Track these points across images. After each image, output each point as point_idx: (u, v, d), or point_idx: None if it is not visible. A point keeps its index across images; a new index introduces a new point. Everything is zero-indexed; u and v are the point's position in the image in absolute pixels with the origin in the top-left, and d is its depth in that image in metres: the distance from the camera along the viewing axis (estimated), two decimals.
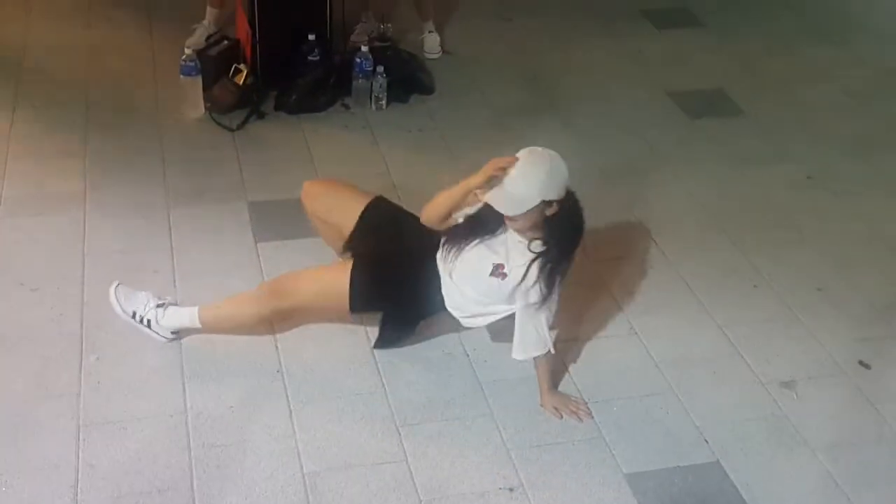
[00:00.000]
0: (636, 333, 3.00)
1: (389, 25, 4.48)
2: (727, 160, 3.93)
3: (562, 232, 2.55)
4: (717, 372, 2.88)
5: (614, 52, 4.74)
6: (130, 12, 4.72)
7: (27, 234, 3.22)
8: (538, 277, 2.52)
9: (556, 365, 2.78)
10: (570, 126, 4.09)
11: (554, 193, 2.47)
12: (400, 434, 2.60)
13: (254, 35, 4.00)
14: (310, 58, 4.02)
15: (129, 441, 2.52)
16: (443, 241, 2.66)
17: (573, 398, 2.74)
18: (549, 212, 2.49)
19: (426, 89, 4.25)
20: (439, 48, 4.55)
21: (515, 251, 2.56)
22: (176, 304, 2.81)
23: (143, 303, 2.77)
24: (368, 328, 2.91)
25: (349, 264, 2.68)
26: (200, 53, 3.96)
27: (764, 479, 2.54)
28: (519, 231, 2.54)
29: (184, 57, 3.88)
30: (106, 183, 3.50)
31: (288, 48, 4.02)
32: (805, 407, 2.77)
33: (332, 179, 3.05)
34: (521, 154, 2.50)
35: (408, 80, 4.20)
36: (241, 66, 3.99)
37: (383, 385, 2.75)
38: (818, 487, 2.54)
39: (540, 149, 2.51)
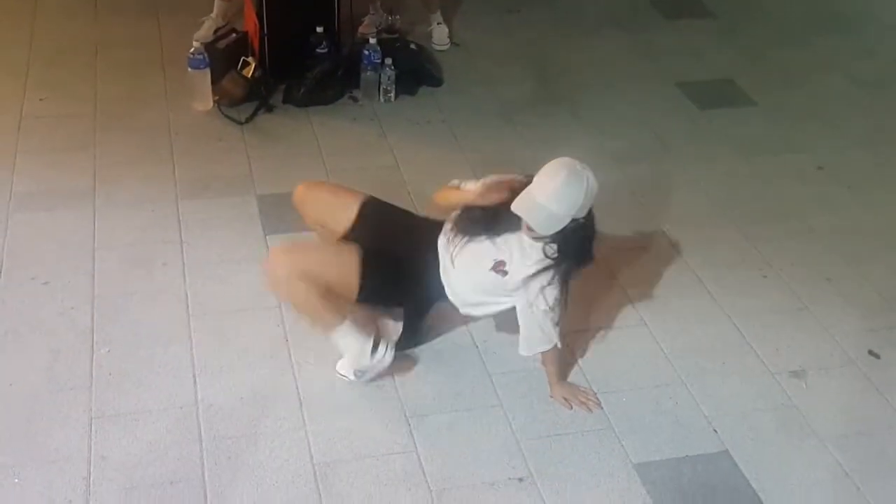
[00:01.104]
0: (645, 324, 3.00)
1: (398, 17, 4.48)
2: (737, 151, 3.92)
3: (577, 241, 2.54)
4: (726, 362, 2.88)
5: (623, 42, 4.73)
6: (139, 5, 4.73)
7: (38, 228, 3.24)
8: (550, 282, 2.52)
9: (565, 356, 2.79)
10: (578, 117, 4.08)
11: (585, 211, 2.48)
12: (410, 425, 2.61)
13: (262, 28, 4.00)
14: (318, 50, 4.02)
15: (140, 433, 2.53)
16: (451, 226, 2.65)
17: (582, 388, 2.74)
18: (572, 225, 2.49)
19: (435, 81, 4.25)
20: (448, 40, 4.54)
21: (524, 252, 2.55)
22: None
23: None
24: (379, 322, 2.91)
25: (354, 256, 2.60)
26: (209, 46, 3.96)
27: (773, 469, 2.54)
28: (535, 238, 2.54)
29: (192, 50, 3.88)
30: (115, 176, 3.51)
31: (296, 41, 4.02)
32: (814, 397, 2.77)
33: (321, 182, 3.01)
34: (553, 169, 2.47)
35: (416, 72, 4.20)
36: (250, 59, 3.99)
37: (393, 376, 2.76)
38: (828, 477, 2.54)
39: (576, 164, 2.48)
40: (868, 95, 4.39)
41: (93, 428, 2.53)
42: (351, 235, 2.72)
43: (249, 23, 4.19)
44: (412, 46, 4.29)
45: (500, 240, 2.58)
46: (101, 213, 3.32)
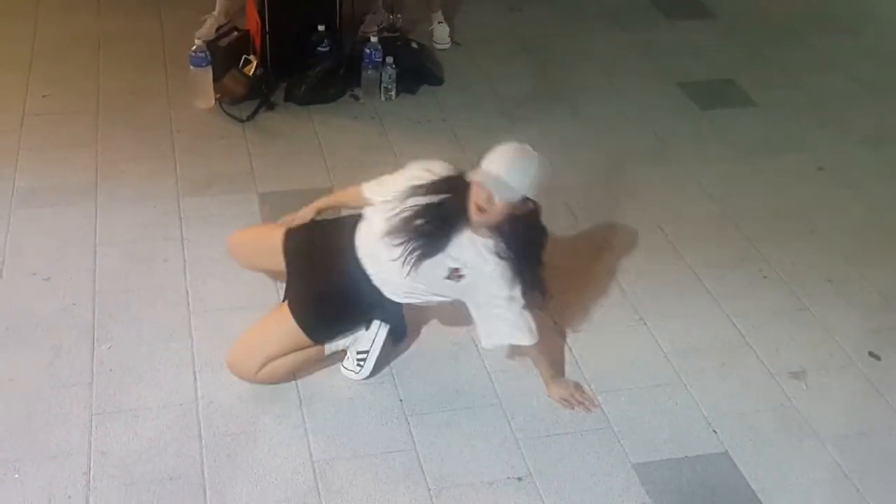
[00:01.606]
0: (644, 323, 3.00)
1: (399, 16, 4.48)
2: (737, 151, 3.92)
3: (527, 234, 2.52)
4: (725, 362, 2.88)
5: (624, 42, 4.73)
6: (141, 2, 4.73)
7: (40, 225, 3.24)
8: (505, 277, 2.50)
9: (557, 354, 2.79)
10: (578, 116, 4.08)
11: (534, 192, 2.46)
12: (409, 423, 2.62)
13: (264, 26, 4.01)
14: (319, 49, 4.02)
15: (140, 429, 2.54)
16: (402, 242, 2.53)
17: (580, 388, 2.74)
18: (520, 210, 2.46)
19: (435, 80, 4.25)
20: (448, 39, 4.55)
21: (479, 253, 2.51)
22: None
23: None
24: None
25: (288, 318, 2.62)
26: (211, 44, 3.96)
27: (773, 470, 2.55)
28: (485, 226, 2.48)
29: (194, 48, 3.88)
30: (117, 173, 3.51)
31: (298, 39, 4.03)
32: (814, 398, 2.77)
33: (243, 231, 2.95)
34: (503, 147, 2.48)
35: (417, 70, 4.21)
36: (251, 57, 3.99)
37: (392, 374, 2.76)
38: (827, 478, 2.54)
39: (525, 146, 2.50)
40: (869, 95, 4.39)
41: (93, 424, 2.54)
42: (287, 275, 2.76)
43: (251, 21, 4.19)
44: (413, 45, 4.29)
45: (451, 245, 2.52)
46: (102, 209, 3.32)
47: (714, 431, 2.65)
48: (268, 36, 4.02)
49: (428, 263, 2.53)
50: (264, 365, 2.62)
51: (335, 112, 4.01)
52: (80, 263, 3.07)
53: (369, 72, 4.06)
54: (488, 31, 4.72)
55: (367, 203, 2.69)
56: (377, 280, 2.63)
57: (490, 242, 2.51)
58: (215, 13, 4.38)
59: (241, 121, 3.88)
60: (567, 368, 2.82)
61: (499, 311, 2.57)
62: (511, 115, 4.06)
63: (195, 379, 2.70)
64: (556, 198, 3.53)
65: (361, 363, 2.72)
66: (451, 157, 3.65)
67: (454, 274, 2.54)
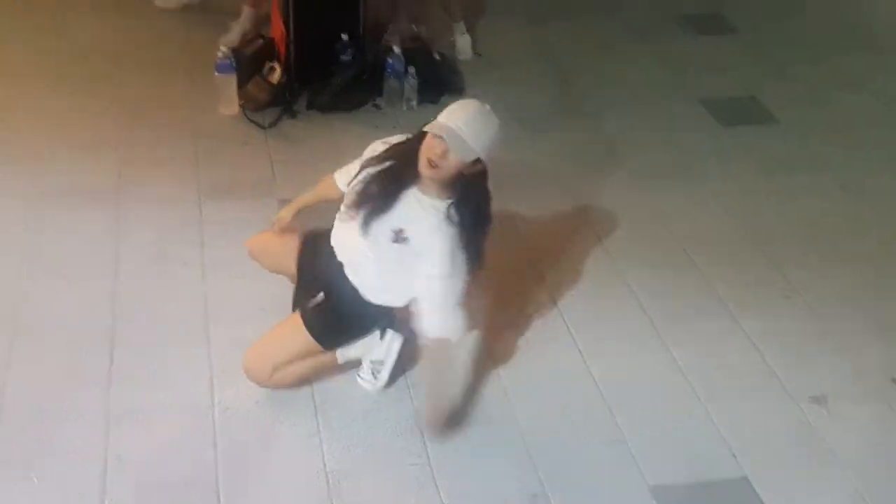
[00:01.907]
0: (663, 342, 2.98)
1: (422, 27, 4.48)
2: (760, 168, 3.90)
3: (476, 197, 2.43)
4: (746, 384, 2.86)
5: (647, 57, 4.71)
6: (165, 11, 4.74)
7: (63, 227, 3.25)
8: (448, 247, 2.40)
9: (459, 374, 2.69)
10: (600, 130, 4.07)
11: (488, 153, 2.38)
12: (424, 436, 2.60)
13: (288, 34, 4.02)
14: (342, 58, 4.03)
15: (156, 433, 2.54)
16: (355, 210, 2.49)
17: (455, 421, 2.63)
18: (469, 171, 2.38)
19: (457, 91, 4.24)
20: (471, 50, 4.54)
21: (425, 211, 2.42)
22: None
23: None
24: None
25: (299, 324, 2.62)
26: (236, 51, 3.99)
27: (792, 496, 2.52)
28: (435, 183, 2.40)
29: (220, 54, 3.90)
30: (140, 176, 3.53)
31: (321, 48, 4.03)
32: (835, 423, 2.74)
33: (264, 234, 2.89)
34: (462, 102, 2.43)
35: (439, 81, 4.20)
36: (275, 65, 4.01)
37: (408, 385, 2.75)
38: None
39: (482, 104, 2.44)
40: (893, 114, 4.35)
41: (110, 427, 2.54)
42: (297, 282, 2.77)
43: (276, 29, 4.20)
44: (435, 56, 4.29)
45: (397, 206, 2.43)
46: (125, 212, 3.33)
47: (733, 455, 2.62)
48: (292, 44, 4.03)
49: (376, 226, 2.44)
50: (277, 369, 2.61)
51: (356, 120, 4.01)
52: (101, 265, 3.08)
53: (391, 81, 4.06)
54: (511, 44, 4.71)
55: (341, 192, 2.64)
56: (356, 282, 2.58)
57: (439, 203, 2.41)
58: (241, 20, 4.40)
59: (264, 127, 3.89)
60: (584, 387, 2.80)
61: (434, 297, 2.44)
62: (532, 127, 4.04)
63: (212, 384, 2.70)
64: (578, 214, 3.52)
65: (376, 373, 2.71)
66: None
67: (399, 236, 2.43)
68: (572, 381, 2.81)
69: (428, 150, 2.35)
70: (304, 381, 2.70)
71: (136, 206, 3.37)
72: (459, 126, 2.34)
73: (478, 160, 2.38)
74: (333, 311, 2.65)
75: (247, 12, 4.40)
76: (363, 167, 2.54)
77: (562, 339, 2.96)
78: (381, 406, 2.69)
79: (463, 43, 4.53)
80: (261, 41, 4.13)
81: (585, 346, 2.93)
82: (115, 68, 4.21)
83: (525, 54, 4.65)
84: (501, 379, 2.80)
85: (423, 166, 2.37)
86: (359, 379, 2.74)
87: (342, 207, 2.57)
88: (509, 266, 3.23)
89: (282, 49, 4.10)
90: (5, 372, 2.67)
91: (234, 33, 4.33)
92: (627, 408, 2.74)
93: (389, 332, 2.70)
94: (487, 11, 4.99)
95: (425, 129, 2.38)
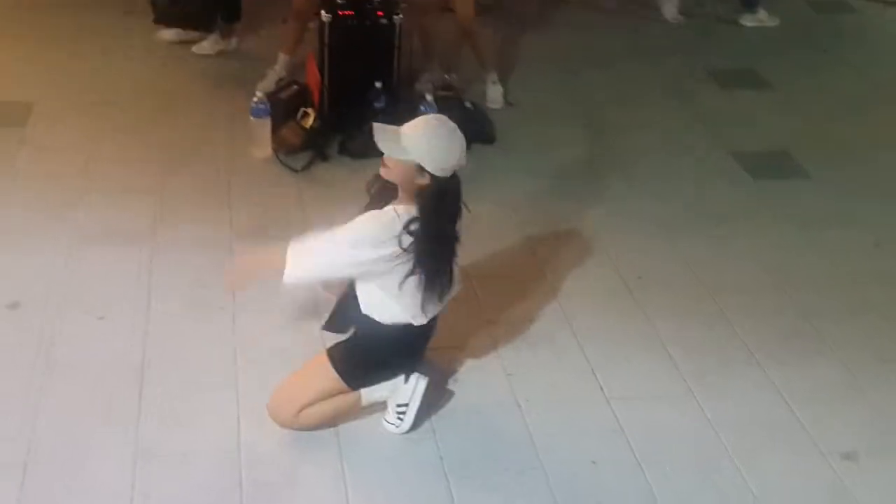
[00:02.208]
0: (693, 394, 2.95)
1: (454, 75, 4.55)
2: (791, 223, 3.88)
3: (430, 210, 2.46)
4: (775, 438, 2.82)
5: (679, 109, 4.74)
6: (204, 57, 4.85)
7: (98, 265, 3.30)
8: (374, 228, 2.48)
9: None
10: (629, 182, 4.08)
11: (429, 164, 2.42)
12: (448, 481, 2.59)
13: (323, 81, 4.09)
14: (375, 105, 4.09)
15: (183, 473, 2.55)
16: None
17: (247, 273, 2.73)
18: (420, 181, 2.45)
19: (487, 139, 4.29)
20: (502, 99, 4.59)
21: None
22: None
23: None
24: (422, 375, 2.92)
25: (326, 364, 2.65)
26: (271, 96, 4.07)
27: None
28: (404, 193, 2.49)
29: (255, 99, 3.98)
30: (175, 218, 3.58)
31: (355, 95, 4.10)
32: (867, 480, 2.69)
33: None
34: (430, 115, 2.53)
35: (470, 129, 4.18)
36: (309, 110, 4.08)
37: (433, 430, 2.75)
38: None
39: (449, 122, 2.49)
40: None
41: (137, 466, 2.55)
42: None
43: (311, 76, 4.28)
44: (467, 104, 4.34)
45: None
46: (159, 253, 3.38)
47: None
48: (326, 90, 4.10)
49: None
50: (302, 410, 2.62)
51: None
52: (135, 305, 3.12)
53: None
54: (542, 94, 4.76)
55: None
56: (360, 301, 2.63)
57: (405, 214, 2.47)
58: (276, 67, 4.49)
59: (296, 171, 3.94)
60: (612, 436, 2.77)
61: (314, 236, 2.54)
62: (561, 178, 4.07)
63: (239, 426, 2.70)
64: (606, 263, 3.53)
65: (401, 416, 2.71)
66: (498, 217, 3.71)
67: None
68: (600, 434, 2.79)
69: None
70: (328, 423, 2.70)
71: (171, 248, 3.41)
72: (404, 129, 2.45)
73: (423, 170, 2.42)
74: (359, 348, 2.67)
75: (282, 59, 4.50)
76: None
77: (588, 388, 2.95)
78: (406, 449, 2.68)
79: (494, 92, 4.58)
80: (295, 87, 4.21)
81: (611, 394, 2.92)
82: (153, 113, 4.30)
83: (556, 104, 4.69)
84: (528, 425, 2.79)
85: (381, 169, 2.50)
86: (384, 423, 2.74)
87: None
88: (536, 309, 3.25)
89: (316, 95, 4.17)
90: (36, 408, 2.70)
91: (270, 79, 4.42)
92: (655, 459, 2.71)
93: (414, 375, 2.71)
94: (519, 61, 5.05)
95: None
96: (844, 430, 2.86)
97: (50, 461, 2.55)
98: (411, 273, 2.49)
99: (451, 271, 2.63)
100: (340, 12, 4.07)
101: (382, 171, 2.51)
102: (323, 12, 4.07)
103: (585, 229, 3.73)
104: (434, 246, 2.50)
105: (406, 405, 2.71)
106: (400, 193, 2.54)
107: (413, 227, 2.46)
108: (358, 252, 2.49)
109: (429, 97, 4.14)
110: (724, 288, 3.44)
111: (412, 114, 4.01)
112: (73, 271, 3.26)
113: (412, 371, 2.72)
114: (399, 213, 2.49)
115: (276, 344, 3.00)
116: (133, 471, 2.53)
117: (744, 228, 3.83)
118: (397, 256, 2.46)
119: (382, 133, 2.46)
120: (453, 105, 4.23)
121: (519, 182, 4.02)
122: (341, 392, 2.66)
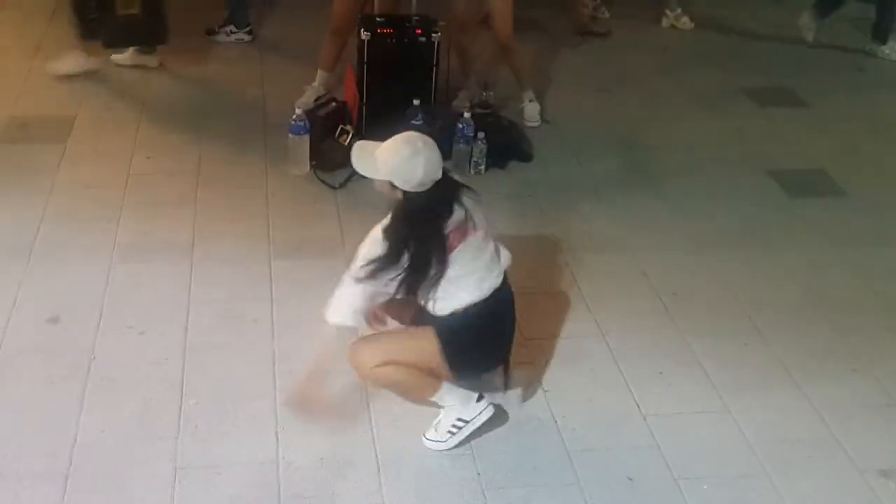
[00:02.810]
0: (729, 411, 2.95)
1: (491, 93, 4.58)
2: (827, 241, 3.87)
3: (399, 219, 2.59)
4: (812, 456, 2.81)
5: (714, 128, 4.74)
6: (245, 72, 4.95)
7: (138, 279, 3.36)
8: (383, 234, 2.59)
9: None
10: (664, 199, 4.08)
11: (399, 181, 2.56)
12: (486, 497, 2.60)
13: (361, 98, 4.14)
14: (413, 122, 4.12)
15: (222, 486, 2.58)
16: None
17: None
18: (394, 194, 2.59)
19: (524, 156, 4.32)
20: (539, 117, 4.62)
21: None
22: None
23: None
24: None
25: (432, 339, 2.65)
26: (309, 113, 4.12)
27: None
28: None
29: (294, 116, 4.04)
30: (213, 233, 3.64)
31: (393, 112, 4.13)
32: None
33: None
34: (399, 136, 2.61)
35: (507, 146, 4.28)
36: (347, 127, 4.12)
37: (471, 446, 2.76)
38: None
39: (418, 138, 2.60)
40: None
41: (177, 478, 2.59)
42: None
43: (349, 93, 4.33)
44: (504, 122, 4.38)
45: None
46: (197, 267, 3.43)
47: None
48: (364, 108, 4.15)
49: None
50: (384, 364, 2.63)
51: None
52: (174, 319, 3.17)
53: (461, 146, 4.15)
54: (578, 112, 4.78)
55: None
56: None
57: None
58: (315, 84, 4.55)
59: (334, 188, 3.99)
60: (649, 452, 2.78)
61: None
62: (598, 194, 4.08)
63: (277, 439, 2.74)
64: (642, 280, 3.53)
65: (453, 431, 2.74)
66: (536, 232, 3.73)
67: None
68: (636, 450, 2.79)
69: None
70: (397, 389, 2.72)
71: (209, 262, 3.47)
72: (377, 150, 2.60)
73: (400, 190, 2.56)
74: (473, 328, 2.67)
75: (321, 75, 4.56)
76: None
77: (624, 404, 2.95)
78: (444, 465, 2.70)
79: (531, 110, 4.61)
80: (334, 104, 4.25)
81: (647, 411, 2.92)
82: (193, 130, 4.37)
83: (592, 122, 4.71)
84: (565, 442, 2.80)
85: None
86: (425, 440, 2.76)
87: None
88: (572, 325, 3.27)
89: (354, 112, 4.22)
90: (78, 422, 2.75)
91: (309, 96, 4.48)
92: (691, 475, 2.71)
93: (487, 398, 2.75)
94: (556, 79, 5.08)
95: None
96: (882, 448, 2.85)
97: (91, 475, 2.60)
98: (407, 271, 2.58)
99: (495, 249, 2.73)
100: (379, 30, 4.12)
101: (378, 188, 2.64)
102: (362, 30, 4.12)
103: (621, 246, 3.74)
104: (402, 249, 2.58)
105: (466, 423, 2.73)
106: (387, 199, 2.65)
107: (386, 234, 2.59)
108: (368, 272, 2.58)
109: (466, 114, 4.17)
110: (760, 305, 3.44)
111: (450, 131, 4.13)
112: (113, 285, 3.32)
113: (502, 363, 2.80)
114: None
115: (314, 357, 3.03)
116: (173, 484, 2.57)
117: (779, 246, 3.82)
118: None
119: (361, 152, 2.64)
120: (491, 122, 4.27)
121: (556, 198, 4.04)
122: (428, 366, 2.67)
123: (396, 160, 2.56)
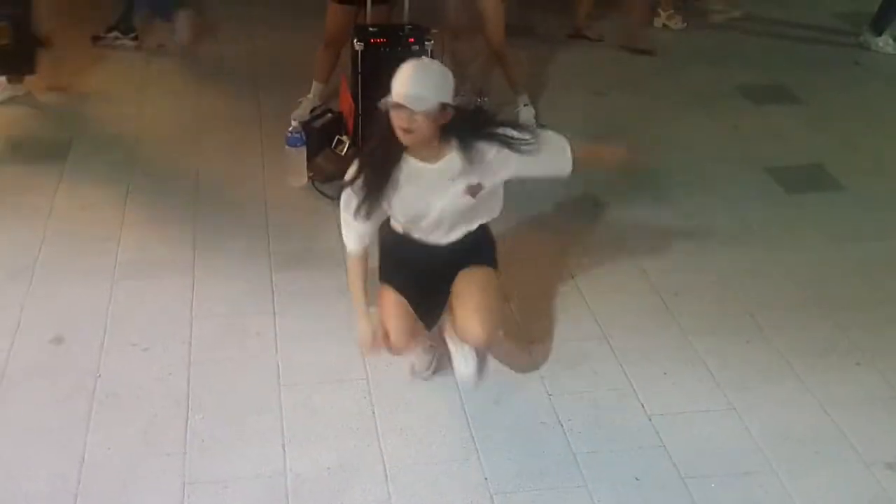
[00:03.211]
0: (734, 409, 2.95)
1: (486, 99, 4.59)
2: (826, 236, 3.88)
3: (464, 119, 2.62)
4: (818, 451, 2.81)
5: (710, 127, 4.75)
6: (239, 86, 4.97)
7: (140, 296, 3.37)
8: (481, 141, 2.65)
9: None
10: (663, 199, 4.09)
11: (447, 96, 2.55)
12: (493, 501, 2.61)
13: (356, 108, 4.15)
14: None
15: (230, 500, 2.59)
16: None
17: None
18: (443, 119, 2.56)
19: None
20: (534, 121, 4.62)
21: (453, 163, 2.65)
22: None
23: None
24: (464, 396, 2.94)
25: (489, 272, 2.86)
26: (306, 125, 4.14)
27: None
28: (423, 145, 2.60)
29: (290, 128, 4.05)
30: (213, 248, 3.65)
31: None
32: None
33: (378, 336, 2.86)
34: (404, 66, 2.57)
35: None
36: (344, 138, 4.14)
37: (477, 451, 2.77)
38: None
39: (412, 62, 2.59)
40: None
41: (185, 493, 2.60)
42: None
43: (344, 103, 4.34)
44: None
45: (431, 175, 2.67)
46: (199, 282, 3.44)
47: None
48: (360, 118, 4.16)
49: (451, 204, 2.71)
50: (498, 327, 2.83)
51: None
52: (177, 335, 3.18)
53: None
54: (573, 115, 4.78)
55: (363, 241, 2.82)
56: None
57: (445, 150, 2.63)
58: (310, 96, 4.56)
59: (332, 198, 3.98)
60: (654, 452, 2.78)
61: (541, 150, 2.76)
62: (595, 197, 4.09)
63: (284, 451, 2.74)
64: (642, 280, 3.54)
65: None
66: (534, 238, 3.74)
67: (475, 190, 2.73)
68: (642, 450, 2.80)
69: (397, 121, 2.54)
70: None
71: (211, 277, 3.48)
72: (408, 87, 2.51)
73: (445, 105, 2.54)
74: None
75: (316, 87, 4.57)
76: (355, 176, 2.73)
77: (629, 405, 2.96)
78: (452, 471, 2.70)
79: (526, 114, 4.62)
80: (329, 115, 4.28)
81: (652, 411, 2.92)
82: (191, 145, 4.39)
83: (588, 125, 4.70)
84: (571, 444, 2.80)
85: (401, 138, 2.56)
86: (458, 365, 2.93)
87: (401, 219, 2.79)
88: (574, 328, 3.28)
89: (350, 123, 4.23)
90: (85, 441, 2.76)
91: (304, 107, 4.49)
92: (698, 473, 2.71)
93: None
94: (550, 83, 5.09)
95: (380, 105, 2.56)
96: (888, 441, 2.85)
97: (99, 493, 2.60)
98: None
99: None
100: (372, 40, 4.14)
101: (412, 138, 2.57)
102: (355, 41, 4.14)
103: (621, 247, 3.74)
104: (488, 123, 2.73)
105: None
106: (421, 149, 2.62)
107: (465, 143, 2.64)
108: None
109: None
110: (761, 302, 3.44)
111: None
112: (115, 304, 3.33)
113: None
114: (463, 150, 2.65)
115: (319, 368, 3.04)
116: (181, 500, 2.58)
117: (779, 242, 3.82)
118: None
119: (411, 101, 2.51)
120: None
121: (554, 203, 4.04)
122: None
123: (440, 76, 2.56)
